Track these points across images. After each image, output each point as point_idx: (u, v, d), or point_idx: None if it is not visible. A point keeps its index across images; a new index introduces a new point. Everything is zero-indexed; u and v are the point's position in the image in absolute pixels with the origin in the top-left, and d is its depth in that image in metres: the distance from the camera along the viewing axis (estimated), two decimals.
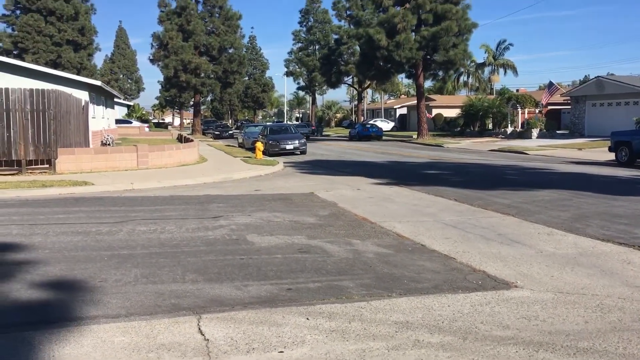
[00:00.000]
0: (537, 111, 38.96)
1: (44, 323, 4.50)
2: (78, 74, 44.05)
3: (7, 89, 15.34)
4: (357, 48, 56.53)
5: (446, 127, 50.74)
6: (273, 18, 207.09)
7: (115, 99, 40.85)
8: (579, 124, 37.16)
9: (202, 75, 54.50)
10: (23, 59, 42.57)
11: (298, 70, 71.25)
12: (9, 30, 59.89)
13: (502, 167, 19.14)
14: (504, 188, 13.15)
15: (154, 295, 5.21)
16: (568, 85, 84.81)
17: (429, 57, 39.62)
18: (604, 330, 4.37)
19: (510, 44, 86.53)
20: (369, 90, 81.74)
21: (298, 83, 74.75)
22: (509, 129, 39.39)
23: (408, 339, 4.19)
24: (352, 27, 58.05)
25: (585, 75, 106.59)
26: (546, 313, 4.76)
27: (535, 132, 36.47)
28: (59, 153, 16.23)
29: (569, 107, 44.36)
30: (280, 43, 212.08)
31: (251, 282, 5.64)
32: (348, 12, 60.70)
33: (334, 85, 63.26)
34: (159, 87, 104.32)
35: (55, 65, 51.70)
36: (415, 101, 65.01)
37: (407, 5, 37.93)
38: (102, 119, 29.01)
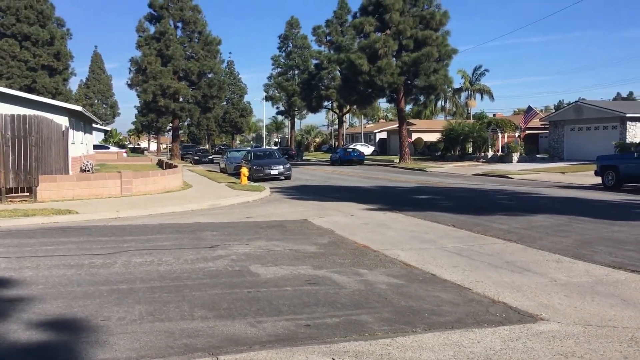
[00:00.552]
0: (516, 135, 39.41)
1: None
2: (53, 99, 43.28)
3: None
4: (338, 73, 57.02)
5: (426, 152, 51.03)
6: (250, 43, 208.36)
7: (93, 124, 40.19)
8: (558, 148, 37.66)
9: (181, 100, 54.17)
10: None
11: (277, 95, 71.40)
12: None
13: (492, 191, 19.13)
14: (498, 213, 13.05)
15: (164, 335, 4.87)
16: (541, 109, 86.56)
17: (409, 82, 39.96)
18: None
19: (486, 70, 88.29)
20: (348, 115, 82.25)
21: (277, 108, 74.94)
22: (490, 153, 39.75)
23: None
24: (332, 52, 58.54)
25: (560, 100, 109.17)
26: (582, 349, 4.55)
27: (515, 156, 36.84)
28: (40, 180, 15.71)
29: (547, 131, 45.09)
30: (257, 68, 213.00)
31: (265, 318, 5.34)
32: (328, 38, 61.25)
33: (314, 109, 63.42)
34: (135, 112, 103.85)
35: (30, 91, 50.77)
36: (395, 125, 65.49)
37: (388, 31, 38.34)
38: (81, 145, 28.42)
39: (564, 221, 11.53)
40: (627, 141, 31.07)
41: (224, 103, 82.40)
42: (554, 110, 67.11)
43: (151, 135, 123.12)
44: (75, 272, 7.26)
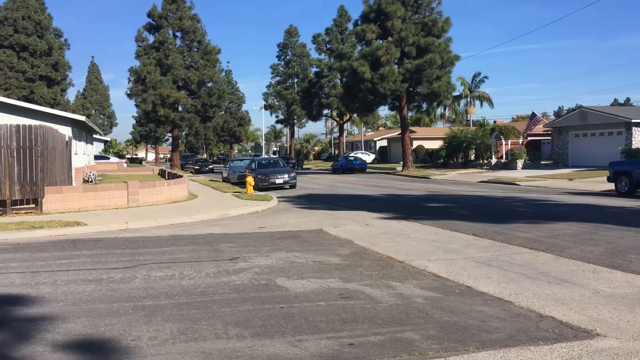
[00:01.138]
0: (520, 142, 39.23)
1: None
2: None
3: None
4: (338, 81, 56.88)
5: (428, 159, 50.82)
6: (247, 51, 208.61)
7: (94, 135, 39.84)
8: (563, 154, 37.47)
9: (181, 109, 53.88)
10: None
11: (277, 103, 71.20)
12: None
13: (504, 199, 18.85)
14: (517, 221, 12.78)
15: (201, 357, 4.56)
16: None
17: (412, 89, 39.79)
18: None
19: (485, 77, 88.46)
20: (347, 123, 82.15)
21: (277, 116, 74.72)
22: (493, 160, 39.53)
23: None
24: (332, 60, 58.36)
25: (559, 107, 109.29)
26: None
27: (520, 162, 36.63)
28: (45, 192, 15.39)
29: (549, 137, 44.94)
30: (255, 76, 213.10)
31: (305, 337, 5.03)
32: (328, 46, 61.11)
33: (315, 118, 63.19)
34: (133, 122, 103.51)
35: (27, 102, 50.43)
36: (396, 133, 65.38)
37: (390, 39, 38.21)
38: (83, 155, 28.09)
39: (588, 229, 11.26)
40: (633, 147, 30.93)
41: (222, 112, 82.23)
42: (553, 117, 67.07)
43: (149, 145, 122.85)
44: (95, 287, 6.94)
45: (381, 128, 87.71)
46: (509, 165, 37.10)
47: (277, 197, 20.73)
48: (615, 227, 11.38)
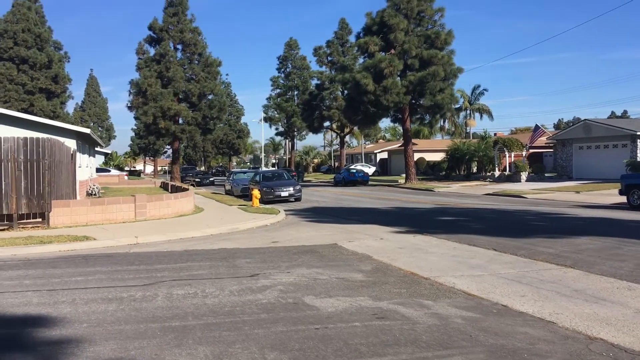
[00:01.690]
0: (523, 154, 39.10)
1: None
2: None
3: None
4: (340, 93, 56.82)
5: (429, 171, 50.64)
6: (246, 64, 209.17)
7: (96, 147, 39.61)
8: (567, 166, 37.34)
9: (182, 121, 53.68)
10: None
11: (277, 116, 71.09)
12: None
13: (516, 212, 18.63)
14: (536, 235, 12.56)
15: None
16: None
17: (414, 101, 39.71)
18: None
19: (485, 89, 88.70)
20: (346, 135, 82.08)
21: (276, 129, 74.60)
22: (497, 173, 39.35)
23: None
24: (333, 72, 58.32)
25: (559, 119, 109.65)
26: None
27: (524, 175, 36.47)
28: (52, 205, 15.12)
29: (551, 150, 44.85)
30: (254, 89, 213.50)
31: None
32: (329, 58, 61.10)
33: (316, 130, 63.07)
34: (130, 134, 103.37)
35: (27, 114, 50.33)
36: (396, 145, 65.30)
37: (393, 51, 38.18)
38: (86, 168, 27.83)
39: (611, 244, 11.03)
40: (639, 159, 30.80)
41: (222, 124, 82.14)
42: (554, 129, 67.07)
43: (147, 158, 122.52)
44: (117, 306, 6.67)
45: (380, 140, 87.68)
46: (513, 177, 36.94)
47: (285, 210, 20.50)
48: (638, 242, 11.16)
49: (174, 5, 53.65)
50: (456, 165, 44.26)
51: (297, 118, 65.58)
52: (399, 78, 38.12)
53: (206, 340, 5.36)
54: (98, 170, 46.32)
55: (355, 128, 60.96)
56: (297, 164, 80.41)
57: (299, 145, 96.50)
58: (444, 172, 45.60)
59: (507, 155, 39.09)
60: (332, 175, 59.77)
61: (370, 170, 60.57)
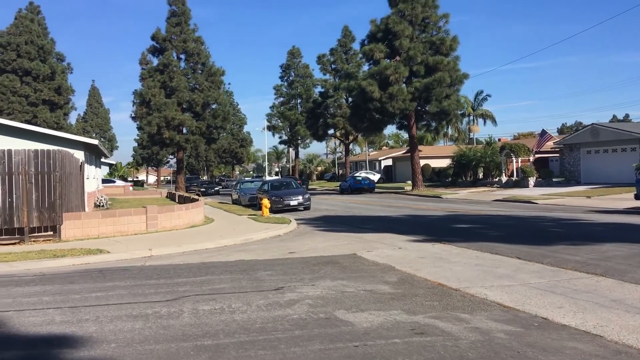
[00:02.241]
0: (530, 160, 38.88)
1: None
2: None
3: (9, 150, 14.13)
4: (344, 101, 56.71)
5: (435, 178, 50.42)
6: (248, 72, 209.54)
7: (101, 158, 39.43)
8: (575, 171, 37.11)
9: (186, 131, 53.55)
10: None
11: (280, 124, 71.00)
12: None
13: (531, 218, 18.39)
14: (558, 243, 12.33)
15: None
16: (538, 133, 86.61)
17: (420, 108, 39.57)
18: None
19: (488, 95, 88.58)
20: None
21: (280, 137, 74.50)
22: (504, 178, 39.13)
23: None
24: (337, 80, 58.24)
25: (563, 124, 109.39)
26: None
27: (532, 180, 36.24)
28: (64, 218, 14.92)
29: (557, 154, 44.63)
30: (255, 97, 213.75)
31: None
32: (333, 66, 61.07)
33: (320, 138, 62.98)
34: (132, 145, 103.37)
35: (31, 126, 50.22)
36: (401, 152, 65.15)
37: (398, 58, 38.08)
38: (93, 180, 27.65)
39: (638, 250, 10.80)
40: None
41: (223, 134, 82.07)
42: (557, 134, 66.84)
43: (150, 168, 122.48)
44: (144, 324, 6.44)
45: (384, 147, 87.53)
46: (521, 183, 36.70)
47: (295, 220, 20.29)
48: None
49: (176, 15, 53.67)
50: (462, 172, 44.03)
51: (300, 126, 65.49)
52: (404, 85, 38.01)
53: None
54: (103, 181, 46.19)
55: (360, 135, 60.80)
56: (301, 172, 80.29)
57: (302, 153, 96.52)
58: (450, 179, 45.39)
59: (514, 161, 38.86)
60: (337, 183, 59.60)
61: (375, 177, 60.42)
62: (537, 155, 44.70)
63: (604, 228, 15.02)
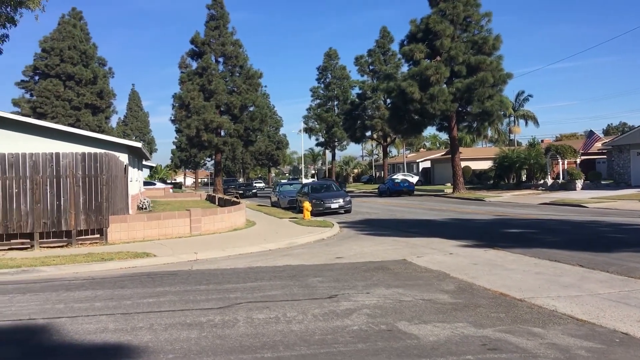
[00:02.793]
0: (578, 162, 37.65)
1: None
2: None
3: (57, 154, 14.25)
4: (382, 102, 56.16)
5: (476, 180, 49.41)
6: (282, 74, 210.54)
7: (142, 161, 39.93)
8: (624, 173, 35.76)
9: (223, 134, 53.89)
10: None
11: (317, 126, 70.85)
12: (27, 96, 59.95)
13: (586, 223, 17.62)
14: (622, 250, 11.68)
15: None
16: (581, 134, 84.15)
17: (461, 109, 38.79)
18: None
19: (530, 95, 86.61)
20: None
21: (317, 139, 74.33)
22: (549, 181, 37.98)
23: None
24: (374, 81, 57.73)
25: (608, 124, 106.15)
26: None
27: (579, 183, 35.07)
28: (110, 221, 14.96)
29: (604, 156, 43.17)
30: (291, 100, 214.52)
31: None
32: (371, 67, 60.58)
33: (358, 140, 62.56)
34: (171, 147, 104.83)
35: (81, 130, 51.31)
36: (439, 154, 64.20)
37: (439, 58, 37.42)
38: (136, 182, 27.94)
39: None
40: None
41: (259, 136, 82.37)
42: (603, 136, 64.79)
43: (187, 170, 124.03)
44: (199, 333, 6.22)
45: (421, 149, 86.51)
46: (568, 186, 35.54)
47: (337, 223, 19.99)
48: None
49: (215, 19, 54.09)
50: (505, 174, 42.98)
51: (337, 128, 65.20)
52: (445, 85, 37.30)
53: None
54: (144, 183, 46.80)
55: (399, 137, 60.14)
56: (337, 175, 79.99)
57: (338, 155, 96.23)
58: (491, 181, 44.39)
59: (561, 163, 37.69)
60: (374, 186, 59.10)
61: (413, 179, 59.70)
62: (582, 157, 43.35)
63: None
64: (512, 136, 75.44)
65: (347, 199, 25.99)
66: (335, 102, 69.45)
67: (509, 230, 16.56)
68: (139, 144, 22.27)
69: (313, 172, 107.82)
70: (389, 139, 61.90)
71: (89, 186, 14.40)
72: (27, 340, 6.28)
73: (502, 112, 61.02)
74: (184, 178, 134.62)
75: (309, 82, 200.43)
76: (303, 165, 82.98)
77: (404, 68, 45.48)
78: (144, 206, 25.14)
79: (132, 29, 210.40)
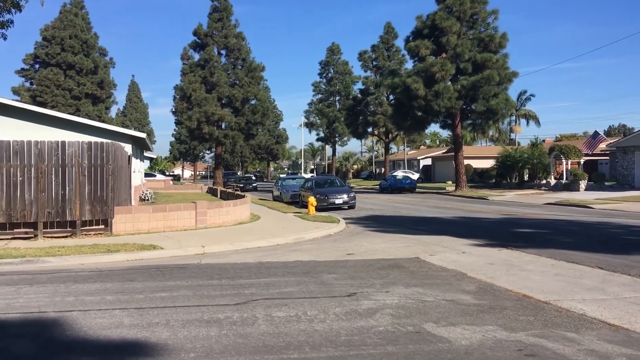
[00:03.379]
0: (581, 162, 37.43)
1: None
2: None
3: (63, 142, 13.94)
4: (385, 98, 55.83)
5: (477, 179, 49.19)
6: (284, 69, 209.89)
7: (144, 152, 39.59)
8: (628, 175, 35.59)
9: (224, 126, 53.48)
10: None
11: (318, 121, 70.50)
12: (27, 84, 59.52)
13: (597, 224, 17.41)
14: (638, 252, 11.48)
15: None
16: (581, 135, 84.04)
17: (466, 106, 38.52)
18: None
19: (532, 95, 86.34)
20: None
21: (317, 134, 73.98)
22: (552, 181, 37.78)
23: None
24: (378, 77, 57.38)
25: (610, 126, 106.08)
26: None
27: (582, 183, 34.87)
28: (115, 212, 14.68)
29: (607, 157, 43.01)
30: (291, 94, 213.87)
31: None
32: (374, 63, 60.20)
33: (360, 135, 62.22)
34: (170, 139, 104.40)
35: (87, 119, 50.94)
36: (441, 152, 63.98)
37: (445, 55, 37.12)
38: (138, 173, 27.63)
39: None
40: None
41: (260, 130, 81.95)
42: (604, 137, 64.61)
43: (186, 163, 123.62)
44: (219, 331, 5.97)
45: (422, 147, 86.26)
46: (571, 186, 35.34)
47: (343, 219, 19.75)
48: None
49: (218, 10, 53.61)
50: (507, 173, 42.76)
51: (339, 123, 64.90)
52: (450, 82, 37.02)
53: None
54: (145, 175, 46.47)
55: (402, 134, 59.86)
56: (337, 170, 79.69)
57: (338, 151, 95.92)
58: (493, 180, 44.17)
59: (564, 163, 37.47)
60: (374, 182, 58.89)
61: (414, 176, 59.51)
62: (585, 158, 43.15)
63: None
64: (512, 135, 75.27)
65: (352, 194, 25.75)
66: (337, 98, 69.13)
67: (519, 230, 16.33)
68: (143, 135, 21.98)
69: (312, 167, 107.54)
70: (391, 136, 61.64)
71: (95, 176, 14.11)
72: (39, 334, 6.02)
73: (507, 111, 60.95)
74: (182, 170, 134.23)
75: (310, 77, 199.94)
76: (303, 160, 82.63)
77: (408, 64, 45.27)
78: (146, 197, 24.85)
79: (134, 20, 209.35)
